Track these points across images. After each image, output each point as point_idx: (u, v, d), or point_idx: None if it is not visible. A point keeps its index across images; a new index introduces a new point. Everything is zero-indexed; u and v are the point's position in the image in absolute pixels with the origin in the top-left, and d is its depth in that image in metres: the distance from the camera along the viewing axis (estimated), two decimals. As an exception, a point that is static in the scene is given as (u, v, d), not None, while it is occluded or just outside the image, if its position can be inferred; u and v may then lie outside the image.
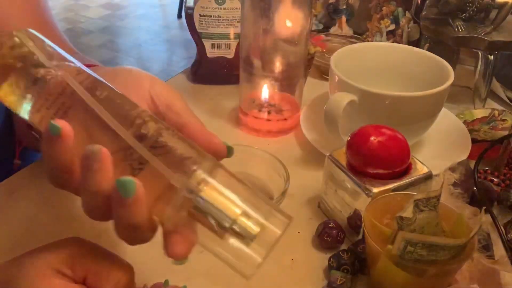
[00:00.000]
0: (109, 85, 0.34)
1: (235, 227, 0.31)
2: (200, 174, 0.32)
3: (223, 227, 0.31)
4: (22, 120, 0.49)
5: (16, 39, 0.34)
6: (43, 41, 0.35)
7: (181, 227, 0.32)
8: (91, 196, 0.32)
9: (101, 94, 0.33)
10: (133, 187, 0.30)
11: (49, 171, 0.33)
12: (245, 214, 0.32)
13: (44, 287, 0.32)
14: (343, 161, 0.49)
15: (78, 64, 0.35)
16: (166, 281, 0.43)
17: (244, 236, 0.31)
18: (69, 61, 0.35)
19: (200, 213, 0.32)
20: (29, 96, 0.33)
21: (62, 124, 0.31)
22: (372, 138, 0.47)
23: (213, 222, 0.31)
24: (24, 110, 0.34)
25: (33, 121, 0.34)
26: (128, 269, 0.34)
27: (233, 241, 0.32)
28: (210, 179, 0.32)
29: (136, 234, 0.32)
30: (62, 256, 0.33)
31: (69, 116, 0.33)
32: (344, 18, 0.91)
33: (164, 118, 0.39)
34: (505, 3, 0.70)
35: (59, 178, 0.33)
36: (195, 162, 0.32)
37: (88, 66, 0.46)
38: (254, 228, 0.31)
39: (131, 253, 0.42)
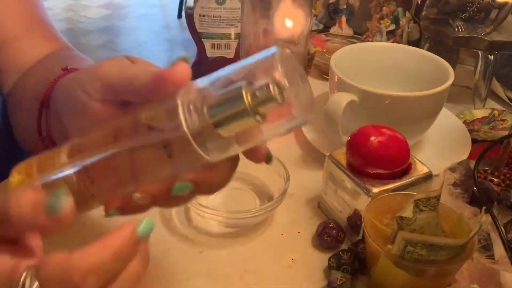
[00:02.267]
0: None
1: (256, 104, 0.30)
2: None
3: (251, 112, 0.30)
4: (26, 126, 0.49)
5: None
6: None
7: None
8: None
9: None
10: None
11: None
12: (248, 88, 0.30)
13: None
14: (343, 161, 0.49)
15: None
16: None
17: (270, 101, 0.30)
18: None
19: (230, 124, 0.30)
20: None
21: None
22: (372, 138, 0.47)
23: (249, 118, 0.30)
24: None
25: None
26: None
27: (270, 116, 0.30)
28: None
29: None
30: None
31: None
32: (344, 18, 0.91)
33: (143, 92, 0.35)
34: (505, 3, 0.70)
35: None
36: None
37: (72, 70, 0.46)
38: (270, 91, 0.29)
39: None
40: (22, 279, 0.29)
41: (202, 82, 0.32)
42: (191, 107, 0.30)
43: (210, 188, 0.35)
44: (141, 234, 0.30)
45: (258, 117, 0.30)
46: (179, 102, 0.30)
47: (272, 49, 0.30)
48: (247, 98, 0.29)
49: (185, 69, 0.32)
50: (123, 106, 0.37)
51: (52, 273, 0.29)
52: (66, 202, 0.29)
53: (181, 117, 0.30)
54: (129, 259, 0.30)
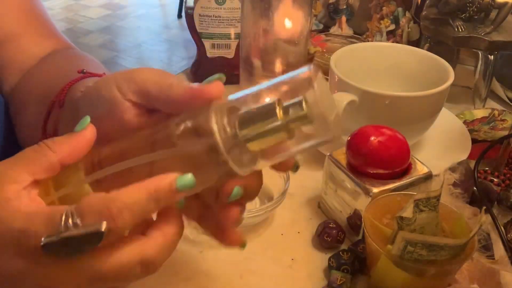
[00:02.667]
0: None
1: (289, 121, 0.30)
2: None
3: (283, 128, 0.30)
4: (30, 125, 0.49)
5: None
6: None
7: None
8: None
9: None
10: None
11: None
12: (281, 103, 0.30)
13: None
14: (343, 161, 0.49)
15: None
16: None
17: (302, 119, 0.30)
18: None
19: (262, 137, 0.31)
20: None
21: None
22: (372, 138, 0.47)
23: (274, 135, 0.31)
24: None
25: None
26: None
27: (300, 129, 0.31)
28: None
29: None
30: None
31: None
32: (344, 18, 0.91)
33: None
34: (505, 3, 0.70)
35: None
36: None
37: (90, 75, 0.46)
38: (302, 108, 0.30)
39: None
40: (63, 218, 0.30)
41: (234, 97, 0.33)
42: (225, 121, 0.31)
43: (255, 194, 0.37)
44: (179, 185, 0.31)
45: (289, 133, 0.31)
46: (212, 116, 0.31)
47: (306, 68, 0.31)
48: (279, 114, 0.30)
49: (221, 87, 0.34)
50: (149, 113, 0.37)
51: (91, 207, 0.30)
52: None
53: (216, 134, 0.30)
54: (162, 204, 0.31)
